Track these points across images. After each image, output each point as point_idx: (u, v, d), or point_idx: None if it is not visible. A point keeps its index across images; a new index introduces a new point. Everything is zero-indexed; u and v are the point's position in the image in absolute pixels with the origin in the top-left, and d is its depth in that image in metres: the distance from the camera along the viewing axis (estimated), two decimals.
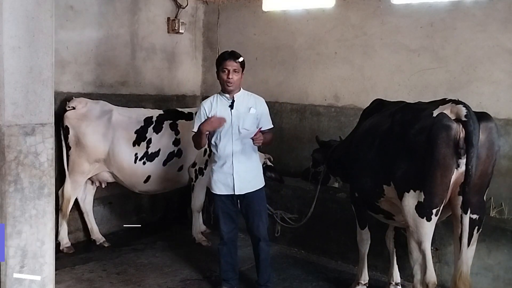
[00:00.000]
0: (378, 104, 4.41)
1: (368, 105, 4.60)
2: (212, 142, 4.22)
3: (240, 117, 4.11)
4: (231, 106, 4.13)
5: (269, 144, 4.34)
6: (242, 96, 4.19)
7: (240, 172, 4.15)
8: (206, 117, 4.12)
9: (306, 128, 6.07)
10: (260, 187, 4.29)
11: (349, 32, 5.65)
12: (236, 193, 4.18)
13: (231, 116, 4.11)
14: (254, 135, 3.95)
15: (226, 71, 4.07)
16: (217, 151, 4.20)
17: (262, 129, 4.11)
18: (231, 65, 4.06)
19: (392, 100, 4.38)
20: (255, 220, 4.26)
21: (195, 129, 4.17)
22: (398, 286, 4.53)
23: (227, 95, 4.16)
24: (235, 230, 4.40)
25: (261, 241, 4.30)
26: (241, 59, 4.13)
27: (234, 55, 4.11)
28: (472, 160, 3.27)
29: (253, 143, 4.00)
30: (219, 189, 4.22)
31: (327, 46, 5.84)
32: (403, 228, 4.20)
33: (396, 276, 4.53)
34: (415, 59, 5.17)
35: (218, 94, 4.23)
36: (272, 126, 4.30)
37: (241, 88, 4.23)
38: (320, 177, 5.12)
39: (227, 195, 4.22)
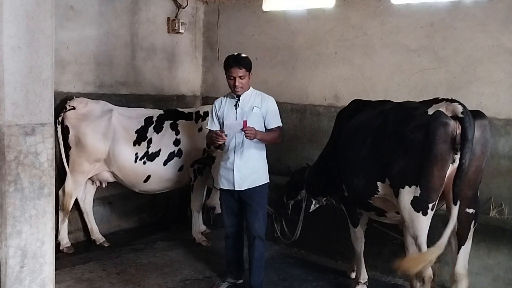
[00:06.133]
0: (359, 105, 4.42)
1: (346, 106, 4.59)
2: None
3: (244, 115, 4.22)
4: (236, 105, 4.28)
5: (272, 142, 4.36)
6: (248, 96, 4.31)
7: (240, 168, 4.25)
8: (216, 115, 4.36)
9: (306, 128, 6.07)
10: (260, 184, 4.32)
11: (349, 32, 5.65)
12: (236, 189, 4.28)
13: (236, 114, 4.26)
14: (243, 127, 4.02)
15: (233, 79, 4.20)
16: (223, 147, 4.34)
17: (268, 127, 4.28)
18: (236, 72, 4.17)
19: (369, 100, 4.42)
20: (251, 217, 4.32)
21: (209, 127, 4.41)
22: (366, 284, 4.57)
23: (235, 95, 4.31)
24: (239, 225, 4.52)
25: (256, 239, 4.31)
26: (245, 64, 4.19)
27: (238, 62, 4.18)
28: (466, 155, 3.35)
29: (245, 136, 4.07)
30: (223, 184, 4.36)
31: (327, 46, 5.83)
32: (376, 221, 4.38)
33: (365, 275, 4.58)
34: (415, 59, 5.17)
35: (229, 94, 4.38)
36: (280, 124, 4.36)
37: (251, 87, 4.34)
38: (303, 204, 4.96)
39: (228, 190, 4.33)
